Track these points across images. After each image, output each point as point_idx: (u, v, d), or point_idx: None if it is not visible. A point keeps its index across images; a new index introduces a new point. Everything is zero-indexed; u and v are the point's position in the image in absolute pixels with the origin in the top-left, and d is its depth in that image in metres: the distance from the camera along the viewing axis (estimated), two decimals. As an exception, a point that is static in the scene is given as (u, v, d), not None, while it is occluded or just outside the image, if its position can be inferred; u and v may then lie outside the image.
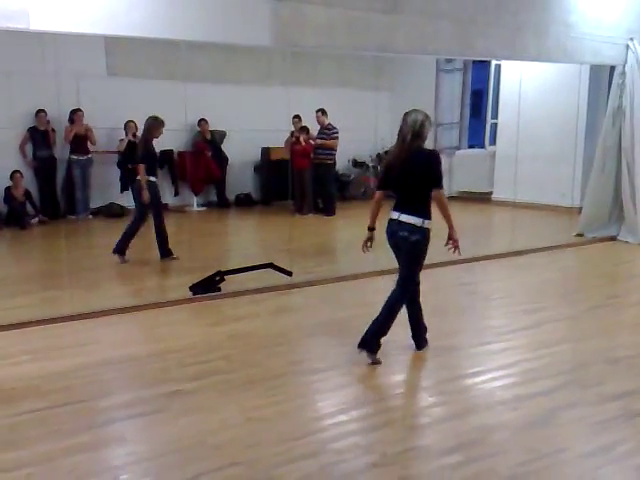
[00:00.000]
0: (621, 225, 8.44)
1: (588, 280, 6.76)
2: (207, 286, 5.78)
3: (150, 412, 3.54)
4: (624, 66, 8.08)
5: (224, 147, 11.03)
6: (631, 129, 8.08)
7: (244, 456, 3.04)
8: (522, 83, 8.60)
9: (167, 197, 9.91)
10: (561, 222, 8.64)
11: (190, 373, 4.04)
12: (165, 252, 7.12)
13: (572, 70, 8.50)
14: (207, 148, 10.67)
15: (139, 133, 9.79)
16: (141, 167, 6.92)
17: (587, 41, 7.69)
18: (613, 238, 8.38)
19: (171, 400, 3.67)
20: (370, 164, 12.16)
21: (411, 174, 4.18)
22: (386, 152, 12.49)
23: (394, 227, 4.30)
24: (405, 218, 4.24)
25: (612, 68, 8.33)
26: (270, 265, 6.20)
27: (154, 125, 7.05)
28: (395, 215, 4.28)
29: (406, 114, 4.31)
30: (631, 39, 8.01)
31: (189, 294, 5.71)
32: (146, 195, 6.86)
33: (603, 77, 8.63)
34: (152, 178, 7.04)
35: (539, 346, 4.48)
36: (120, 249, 6.98)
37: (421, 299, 6.01)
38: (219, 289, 5.84)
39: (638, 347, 4.49)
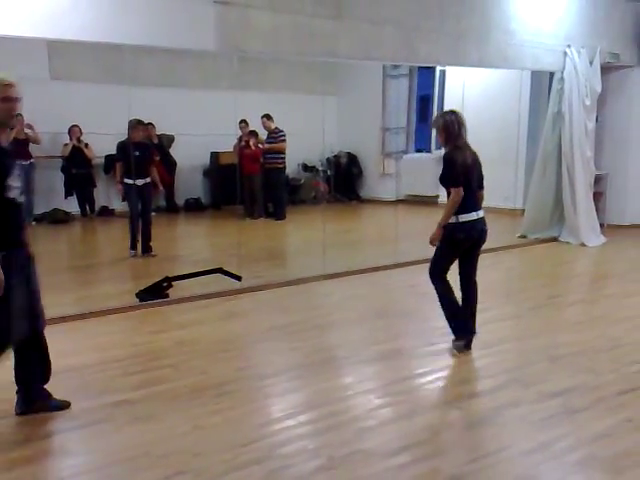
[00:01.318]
0: (562, 227, 8.71)
1: (531, 280, 6.94)
2: (154, 292, 5.70)
3: (94, 423, 3.47)
4: (562, 72, 8.34)
5: (172, 152, 10.91)
6: (570, 134, 8.34)
7: (190, 465, 3.01)
8: (465, 89, 8.78)
9: (114, 202, 9.75)
10: (504, 224, 8.83)
11: (135, 382, 3.98)
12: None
13: (513, 76, 8.73)
14: (155, 152, 10.52)
15: (83, 137, 9.65)
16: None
17: (527, 48, 7.91)
18: (555, 239, 8.64)
19: (116, 410, 3.61)
20: (320, 168, 12.21)
21: (475, 171, 4.38)
22: (335, 156, 12.65)
23: (479, 225, 4.40)
24: (482, 213, 4.42)
25: (551, 74, 8.58)
26: (219, 270, 6.17)
27: (129, 126, 7.28)
28: (475, 215, 4.36)
29: (452, 114, 4.38)
30: (568, 46, 8.28)
31: (135, 301, 5.63)
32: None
33: (543, 83, 8.89)
34: (127, 180, 7.28)
35: (483, 345, 4.57)
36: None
37: (368, 302, 6.10)
38: (166, 295, 5.78)
39: (578, 345, 4.63)
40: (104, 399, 3.74)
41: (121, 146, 7.63)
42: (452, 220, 4.31)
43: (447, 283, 4.48)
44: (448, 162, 4.32)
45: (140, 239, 7.56)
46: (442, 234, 4.33)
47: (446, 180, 4.33)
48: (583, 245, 8.43)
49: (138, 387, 3.89)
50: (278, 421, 3.51)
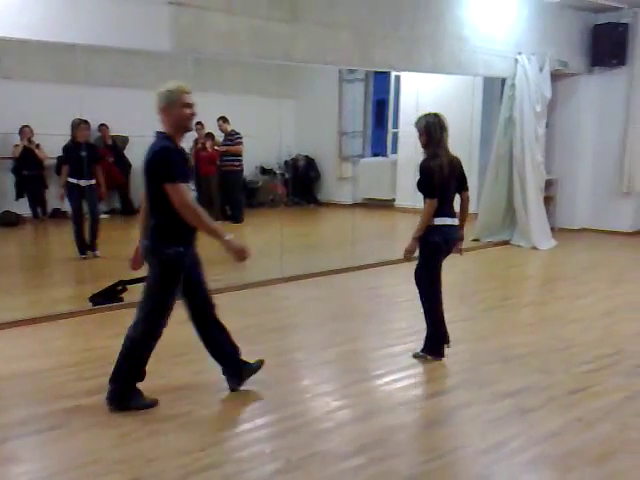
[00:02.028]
0: (514, 230, 8.91)
1: (484, 283, 7.07)
2: (108, 296, 5.61)
3: (47, 429, 3.40)
4: (514, 79, 8.54)
5: (127, 153, 10.74)
6: (521, 139, 8.54)
7: (146, 470, 2.98)
8: (420, 94, 8.89)
9: (66, 204, 9.55)
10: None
11: (90, 387, 3.91)
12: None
13: (466, 82, 8.89)
14: (108, 154, 10.36)
15: (34, 138, 9.42)
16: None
17: (479, 54, 8.08)
18: (506, 242, 8.83)
19: (69, 416, 3.54)
20: (278, 171, 12.20)
21: (453, 177, 4.32)
22: (293, 159, 12.66)
23: (454, 233, 4.37)
24: (456, 222, 4.38)
25: (503, 80, 8.77)
26: (175, 274, 6.09)
27: (72, 126, 7.20)
28: (450, 220, 4.33)
29: (435, 117, 4.30)
30: (519, 53, 8.48)
31: (89, 305, 5.53)
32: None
33: (495, 89, 9.09)
34: (70, 179, 7.17)
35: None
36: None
37: (326, 305, 6.12)
38: (121, 299, 5.69)
39: (529, 346, 4.74)
40: (58, 405, 3.67)
41: (66, 147, 7.54)
42: (417, 242, 4.27)
43: (436, 295, 4.43)
44: (425, 173, 4.24)
45: (90, 239, 7.49)
46: (421, 242, 4.28)
47: (422, 189, 4.27)
48: (534, 248, 8.64)
49: (93, 392, 3.82)
50: (235, 425, 3.50)
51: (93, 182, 7.57)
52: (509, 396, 3.87)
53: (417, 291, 4.47)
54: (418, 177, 4.32)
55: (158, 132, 3.64)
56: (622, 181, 9.55)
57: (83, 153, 7.30)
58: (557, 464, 3.11)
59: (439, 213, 4.26)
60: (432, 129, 4.24)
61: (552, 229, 9.22)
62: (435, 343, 4.42)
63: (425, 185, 4.26)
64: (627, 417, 3.60)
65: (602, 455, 3.17)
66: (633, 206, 9.65)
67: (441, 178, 4.24)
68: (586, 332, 5.14)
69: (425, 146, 4.30)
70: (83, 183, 7.43)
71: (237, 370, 3.91)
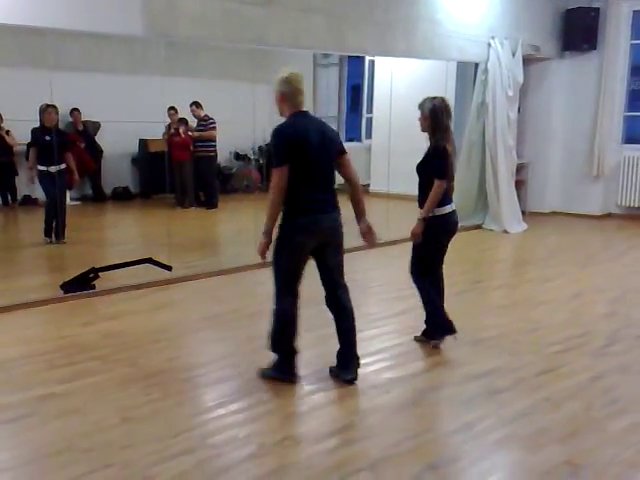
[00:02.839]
0: (486, 214, 8.99)
1: (456, 266, 7.09)
2: (80, 284, 5.57)
3: (18, 417, 3.39)
4: (486, 63, 8.58)
5: (99, 139, 10.62)
6: (493, 123, 8.60)
7: (118, 457, 2.99)
8: (393, 79, 8.90)
9: (37, 191, 9.42)
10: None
11: (61, 375, 3.89)
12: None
13: (440, 67, 8.91)
14: (79, 139, 10.23)
15: (4, 124, 9.27)
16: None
17: (453, 39, 8.09)
18: (479, 226, 8.90)
19: (41, 404, 3.53)
20: (252, 157, 12.14)
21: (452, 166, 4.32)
22: (267, 145, 12.57)
23: (454, 218, 4.34)
24: (454, 206, 4.36)
25: (476, 65, 8.81)
26: (148, 260, 6.07)
27: (40, 111, 7.12)
28: (449, 207, 4.28)
29: (441, 101, 4.21)
30: (492, 37, 8.52)
31: (60, 293, 5.49)
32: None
33: (469, 74, 9.11)
34: (40, 167, 7.14)
35: (410, 331, 4.68)
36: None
37: (302, 289, 6.11)
38: (93, 287, 5.65)
39: (499, 328, 4.81)
40: (29, 393, 3.65)
41: (34, 131, 7.47)
42: (424, 223, 4.19)
43: (427, 280, 4.40)
44: (440, 152, 4.14)
45: (57, 225, 7.37)
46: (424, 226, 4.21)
47: (434, 170, 4.13)
48: (505, 232, 8.74)
49: (64, 380, 3.82)
50: (209, 411, 3.51)
51: (63, 167, 7.46)
52: (479, 378, 3.94)
53: (411, 279, 4.45)
54: (424, 158, 4.23)
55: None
56: (592, 165, 9.68)
57: (49, 138, 7.21)
58: (526, 443, 3.18)
59: (443, 201, 4.19)
60: (438, 113, 4.14)
61: (523, 213, 9.33)
62: (438, 328, 4.42)
63: (438, 166, 4.14)
64: (593, 396, 3.68)
65: (569, 433, 3.25)
66: (602, 190, 9.80)
67: (451, 160, 4.22)
68: (554, 314, 5.23)
69: (430, 131, 4.19)
70: (53, 169, 7.33)
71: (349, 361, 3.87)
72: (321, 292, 3.78)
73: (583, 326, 4.91)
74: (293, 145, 3.55)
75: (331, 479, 2.84)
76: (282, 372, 3.81)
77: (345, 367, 3.85)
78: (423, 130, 4.27)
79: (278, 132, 3.61)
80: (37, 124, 7.49)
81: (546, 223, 9.54)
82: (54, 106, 7.28)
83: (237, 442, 3.16)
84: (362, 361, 3.89)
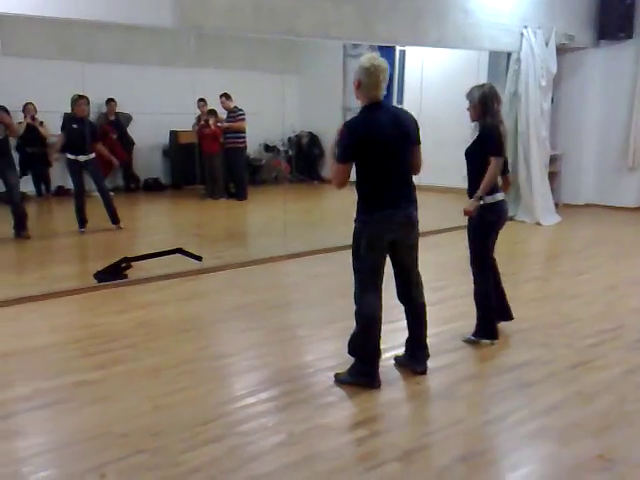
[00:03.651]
0: (518, 206, 8.87)
1: (488, 259, 7.06)
2: (112, 273, 5.65)
3: (52, 403, 3.46)
4: (519, 53, 8.44)
5: (130, 131, 10.72)
6: (526, 114, 8.48)
7: (150, 444, 3.03)
8: (424, 69, 8.83)
9: (69, 182, 9.56)
10: (463, 204, 8.97)
11: (94, 362, 3.96)
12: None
13: (471, 56, 8.80)
14: (111, 130, 10.34)
15: (37, 115, 9.41)
16: None
17: (485, 28, 7.98)
18: (511, 218, 8.74)
19: (75, 390, 3.60)
20: (281, 148, 12.15)
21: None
22: (297, 136, 12.60)
23: (505, 206, 4.33)
24: (504, 195, 4.32)
25: (508, 55, 8.67)
26: (179, 250, 6.13)
27: (72, 100, 7.26)
28: (500, 196, 4.25)
29: (490, 87, 4.21)
30: (525, 27, 8.37)
31: (94, 282, 5.57)
32: None
33: (501, 63, 8.97)
34: (69, 155, 7.31)
35: (442, 322, 4.66)
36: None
37: (329, 281, 6.15)
38: (125, 276, 5.73)
39: (531, 321, 4.75)
40: (63, 380, 3.72)
41: (65, 116, 7.65)
42: (485, 201, 4.14)
43: (489, 276, 4.34)
44: (495, 131, 4.12)
45: (108, 213, 7.70)
46: (472, 222, 4.21)
47: (490, 148, 4.10)
48: (538, 224, 8.62)
49: (97, 367, 3.88)
50: (238, 399, 3.53)
51: (92, 156, 7.60)
52: (511, 370, 3.91)
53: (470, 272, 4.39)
54: (478, 139, 4.19)
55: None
56: (627, 156, 9.48)
57: (77, 126, 7.40)
58: (557, 436, 3.15)
59: (493, 189, 4.17)
60: (488, 100, 4.12)
61: (556, 205, 9.19)
62: (487, 325, 4.34)
63: (493, 143, 4.12)
64: (626, 390, 3.62)
65: (601, 428, 3.20)
66: (638, 181, 9.58)
67: (503, 142, 4.18)
68: (588, 307, 5.15)
69: (480, 118, 4.16)
70: (82, 158, 7.49)
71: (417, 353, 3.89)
72: (350, 283, 3.75)
73: (617, 319, 4.82)
74: (362, 143, 3.47)
75: (359, 469, 2.84)
76: (363, 377, 3.66)
77: (416, 359, 3.85)
78: (473, 120, 4.24)
79: (348, 128, 3.53)
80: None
81: (580, 215, 9.39)
82: (85, 97, 7.41)
83: (266, 430, 3.18)
84: (394, 352, 3.87)
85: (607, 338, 4.43)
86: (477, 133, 4.26)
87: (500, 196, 4.24)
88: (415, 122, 3.65)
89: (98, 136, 8.07)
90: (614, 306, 5.18)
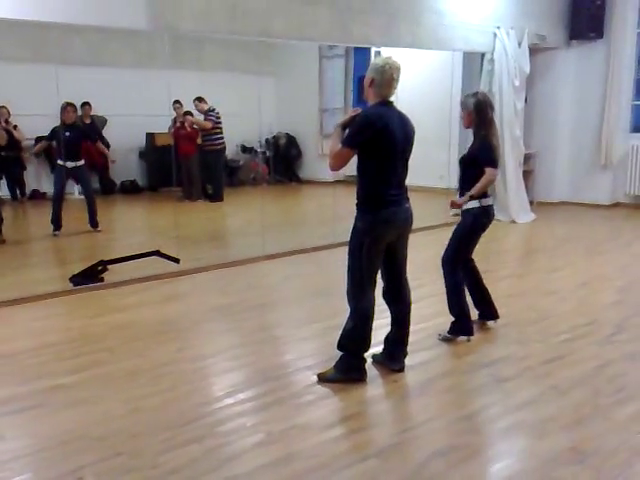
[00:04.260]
0: (493, 204, 8.95)
1: (464, 257, 7.13)
2: (88, 276, 5.62)
3: (28, 408, 3.43)
4: (492, 53, 8.54)
5: (106, 133, 10.64)
6: (501, 114, 8.55)
7: (128, 446, 3.02)
8: (399, 69, 8.88)
9: (45, 185, 9.47)
10: (439, 203, 9.00)
11: (71, 366, 3.94)
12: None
13: (446, 57, 8.87)
14: (87, 135, 10.25)
15: (11, 119, 9.31)
16: None
17: (458, 29, 8.05)
18: (487, 216, 8.88)
19: (51, 395, 3.57)
20: (259, 150, 12.15)
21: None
22: (274, 137, 12.60)
23: (493, 210, 4.47)
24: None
25: (482, 55, 8.76)
26: (156, 253, 6.11)
27: (61, 109, 7.44)
28: (491, 200, 4.45)
29: (484, 95, 4.35)
30: (498, 27, 8.47)
31: (70, 286, 5.53)
32: None
33: (475, 64, 9.07)
34: (59, 161, 7.56)
35: (419, 320, 4.64)
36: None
37: (307, 282, 6.17)
38: (102, 279, 5.69)
39: (506, 317, 4.80)
40: (39, 384, 3.70)
41: (55, 129, 7.76)
42: (476, 205, 4.30)
43: (460, 274, 4.45)
44: (488, 146, 4.24)
45: (89, 217, 7.83)
46: (465, 220, 4.35)
47: (486, 161, 4.23)
48: (513, 222, 8.73)
49: (73, 371, 3.86)
50: (217, 400, 3.54)
51: (81, 163, 7.65)
52: (486, 366, 3.96)
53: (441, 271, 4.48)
54: (470, 151, 4.33)
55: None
56: (600, 154, 9.64)
57: (67, 133, 7.50)
58: (532, 431, 3.20)
59: (485, 194, 4.32)
60: (483, 108, 4.21)
61: (531, 203, 9.31)
62: (463, 322, 4.41)
63: (489, 156, 4.25)
64: (600, 384, 3.69)
65: (575, 421, 3.26)
66: (611, 179, 9.75)
67: (498, 159, 4.32)
68: (562, 303, 5.23)
69: (475, 125, 4.25)
70: (70, 165, 7.51)
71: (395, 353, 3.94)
72: (328, 283, 3.78)
73: (590, 315, 4.90)
74: (376, 136, 3.48)
75: (337, 467, 2.86)
76: (354, 371, 3.72)
77: (394, 357, 3.89)
78: (467, 126, 4.34)
79: (366, 117, 3.52)
80: (42, 119, 7.63)
81: (554, 213, 9.52)
82: (72, 104, 7.56)
83: (245, 430, 3.19)
84: (371, 350, 3.89)
85: (581, 333, 4.50)
86: (472, 140, 4.37)
87: (491, 199, 4.43)
88: (414, 128, 3.70)
89: (84, 141, 8.21)
90: (587, 302, 5.27)
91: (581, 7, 9.34)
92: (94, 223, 7.88)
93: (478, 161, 4.28)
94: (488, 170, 4.25)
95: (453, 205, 4.38)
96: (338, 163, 3.58)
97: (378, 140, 3.48)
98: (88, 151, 10.17)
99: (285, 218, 9.30)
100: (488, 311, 4.65)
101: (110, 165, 8.32)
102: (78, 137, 7.86)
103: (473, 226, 4.37)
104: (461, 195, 4.39)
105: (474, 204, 4.31)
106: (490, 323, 4.66)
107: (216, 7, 5.97)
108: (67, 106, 7.56)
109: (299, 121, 12.45)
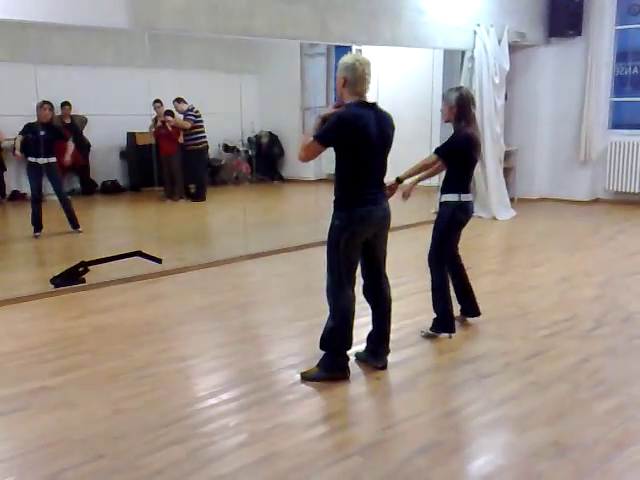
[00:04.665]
0: (475, 201, 8.99)
1: (446, 254, 7.17)
2: (70, 278, 5.57)
3: (10, 411, 3.40)
4: (473, 51, 8.59)
5: (86, 133, 10.57)
6: (481, 112, 8.60)
7: (110, 448, 3.01)
8: (381, 68, 8.89)
9: (25, 186, 9.37)
10: (421, 201, 9.03)
11: (52, 369, 3.91)
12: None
13: (427, 55, 8.92)
14: (62, 134, 10.17)
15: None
16: None
17: (438, 27, 8.09)
18: (468, 213, 8.93)
19: (33, 397, 3.55)
20: (241, 148, 12.11)
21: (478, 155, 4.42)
22: (256, 136, 12.57)
23: (472, 206, 4.48)
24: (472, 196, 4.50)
25: (462, 53, 8.81)
26: (138, 253, 6.07)
27: (37, 107, 7.31)
28: (471, 196, 4.44)
29: (467, 90, 4.34)
30: (478, 25, 8.52)
31: (51, 287, 5.48)
32: None
33: (455, 61, 9.11)
34: (30, 158, 7.45)
35: (401, 317, 4.70)
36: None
37: (291, 281, 6.17)
38: (83, 280, 5.65)
39: (488, 313, 4.83)
40: (20, 387, 3.67)
41: (30, 125, 7.66)
42: (455, 199, 4.29)
43: (445, 271, 4.47)
44: (459, 139, 4.24)
45: (67, 218, 7.70)
46: (443, 213, 4.34)
47: (440, 146, 4.27)
48: (494, 219, 8.79)
49: (55, 374, 3.83)
50: (200, 400, 3.53)
51: (53, 160, 7.56)
52: (468, 362, 3.99)
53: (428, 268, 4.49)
54: (447, 141, 4.31)
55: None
56: (579, 151, 9.73)
57: (42, 132, 7.41)
58: (514, 425, 3.23)
59: (465, 187, 4.32)
60: (466, 103, 4.22)
61: (511, 199, 9.37)
62: (445, 319, 4.42)
63: (445, 146, 4.29)
64: (580, 379, 3.73)
65: (556, 415, 3.30)
66: (590, 175, 9.85)
67: (477, 152, 4.31)
68: (542, 299, 5.28)
69: (456, 118, 4.24)
70: (42, 161, 7.44)
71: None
72: (311, 281, 3.79)
73: (570, 310, 4.95)
74: (351, 135, 3.48)
75: (321, 465, 2.87)
76: (338, 370, 3.73)
77: (377, 354, 3.90)
78: (447, 120, 4.34)
79: (342, 118, 3.51)
80: (23, 119, 7.58)
81: (535, 209, 9.60)
82: (49, 102, 7.52)
83: (228, 431, 3.19)
84: (353, 349, 3.90)
85: (561, 328, 4.55)
86: (451, 134, 4.36)
87: (471, 196, 4.43)
88: (394, 127, 3.71)
89: (67, 134, 8.18)
90: (567, 297, 5.33)
91: (560, 5, 9.43)
92: (74, 224, 7.78)
93: (457, 151, 4.27)
94: (432, 156, 4.31)
95: (404, 196, 4.42)
96: (307, 155, 3.59)
97: (354, 140, 3.50)
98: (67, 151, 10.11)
99: (268, 217, 9.29)
100: (470, 307, 4.67)
101: (68, 160, 8.15)
102: (53, 136, 7.75)
103: (451, 221, 4.36)
104: (442, 191, 4.38)
105: (453, 197, 4.31)
106: (471, 319, 4.68)
107: (197, 5, 5.95)
108: (43, 104, 7.47)
109: (281, 119, 12.43)
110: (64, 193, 7.92)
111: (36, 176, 7.60)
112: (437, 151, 4.32)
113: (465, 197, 4.34)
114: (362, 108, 3.57)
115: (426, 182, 8.46)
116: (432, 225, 4.52)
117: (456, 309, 4.59)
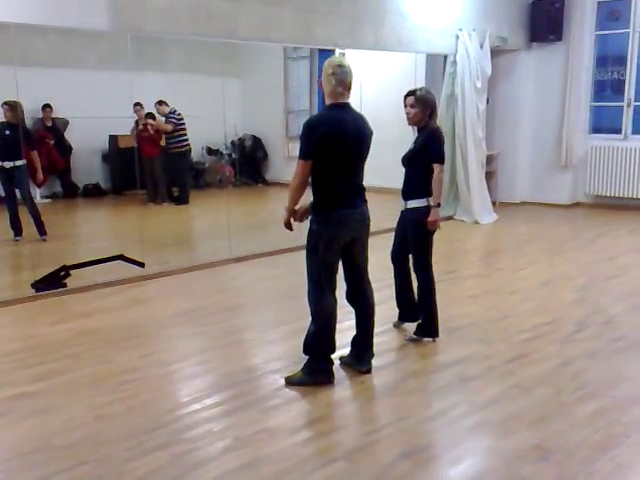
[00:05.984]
0: (457, 206, 9.08)
1: (429, 257, 7.20)
2: (51, 282, 5.52)
3: (-10, 418, 3.37)
4: (455, 55, 8.64)
5: (68, 135, 10.48)
6: (463, 116, 8.68)
7: (93, 454, 2.98)
8: (364, 72, 8.93)
9: (2, 189, 9.28)
10: (398, 205, 9.15)
11: (33, 374, 3.87)
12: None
13: (409, 59, 8.96)
14: (48, 136, 10.10)
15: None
16: None
17: (421, 31, 8.14)
18: (450, 217, 8.98)
19: (14, 403, 3.51)
20: (224, 152, 12.08)
21: None
22: (240, 139, 12.54)
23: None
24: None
25: (445, 57, 8.86)
26: (120, 257, 6.03)
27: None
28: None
29: (429, 91, 4.31)
30: (460, 30, 8.58)
31: (32, 292, 5.43)
32: None
33: (438, 66, 9.17)
34: None
35: (385, 321, 4.71)
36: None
37: (275, 284, 6.15)
38: (65, 285, 5.60)
39: (471, 317, 4.88)
40: (1, 393, 3.63)
41: None
42: (424, 204, 4.22)
43: (432, 276, 4.41)
44: (439, 136, 4.23)
45: (34, 224, 7.32)
46: (416, 220, 4.26)
47: (434, 155, 4.18)
48: (476, 223, 8.83)
49: (37, 379, 3.79)
50: (184, 406, 3.52)
51: (20, 163, 7.32)
52: (451, 366, 4.01)
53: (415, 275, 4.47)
54: (418, 147, 4.25)
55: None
56: (560, 155, 9.82)
57: (9, 132, 7.15)
58: (497, 429, 3.25)
59: (430, 192, 4.23)
60: (432, 103, 4.24)
61: (493, 203, 9.43)
62: (430, 324, 4.41)
63: (438, 150, 4.23)
64: (562, 382, 3.76)
65: (539, 418, 3.32)
66: (571, 179, 9.94)
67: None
68: (524, 302, 5.32)
69: (423, 118, 4.19)
70: (8, 165, 7.24)
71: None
72: (295, 285, 3.79)
73: (552, 313, 5.00)
74: (323, 140, 3.47)
75: (305, 470, 2.87)
76: (321, 374, 3.72)
77: (361, 359, 3.90)
78: (414, 123, 4.27)
79: (307, 125, 3.54)
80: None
81: (516, 213, 9.67)
82: (9, 103, 7.17)
83: (212, 436, 3.18)
84: (337, 353, 3.91)
85: (543, 332, 4.59)
86: (418, 139, 4.30)
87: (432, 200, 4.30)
88: (371, 131, 3.71)
89: (33, 143, 7.82)
90: (549, 300, 5.37)
91: (541, 10, 9.53)
92: (41, 230, 7.36)
93: (427, 156, 4.19)
94: (437, 167, 4.18)
95: (433, 224, 4.24)
96: (300, 179, 3.58)
97: (324, 143, 3.49)
98: (49, 154, 10.03)
99: (252, 220, 9.27)
100: (410, 313, 4.61)
101: (39, 182, 7.89)
102: (17, 137, 7.46)
103: (423, 229, 4.26)
104: (404, 197, 4.34)
105: (421, 203, 4.23)
106: (408, 325, 4.63)
107: (179, 8, 5.93)
108: (4, 104, 7.21)
109: (265, 123, 12.42)
110: (30, 197, 7.54)
111: (6, 180, 7.37)
112: (439, 160, 4.21)
113: (430, 200, 4.25)
114: (334, 111, 3.58)
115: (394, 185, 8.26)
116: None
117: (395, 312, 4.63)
